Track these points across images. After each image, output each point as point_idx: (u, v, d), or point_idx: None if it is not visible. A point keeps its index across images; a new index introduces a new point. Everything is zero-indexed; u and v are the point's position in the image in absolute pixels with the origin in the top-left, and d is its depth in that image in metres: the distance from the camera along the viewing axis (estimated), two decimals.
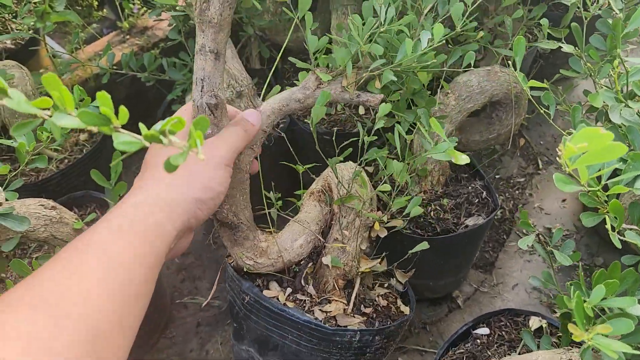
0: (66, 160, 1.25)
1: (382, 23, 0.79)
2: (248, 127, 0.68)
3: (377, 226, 0.91)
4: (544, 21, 1.02)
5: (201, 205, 0.59)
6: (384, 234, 0.92)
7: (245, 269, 0.89)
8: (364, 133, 0.86)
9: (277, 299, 0.88)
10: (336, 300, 0.90)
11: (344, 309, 0.90)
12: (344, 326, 0.86)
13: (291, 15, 0.83)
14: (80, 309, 0.45)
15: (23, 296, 0.45)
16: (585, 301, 0.58)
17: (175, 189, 0.57)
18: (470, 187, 1.18)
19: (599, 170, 0.60)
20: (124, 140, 0.40)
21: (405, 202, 0.92)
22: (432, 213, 1.12)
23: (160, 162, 0.60)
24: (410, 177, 1.16)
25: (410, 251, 0.92)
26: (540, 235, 1.32)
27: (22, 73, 1.20)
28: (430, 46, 0.78)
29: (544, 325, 0.94)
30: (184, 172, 0.59)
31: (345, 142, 0.92)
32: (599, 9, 0.95)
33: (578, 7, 0.97)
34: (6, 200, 0.84)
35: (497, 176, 1.57)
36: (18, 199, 0.87)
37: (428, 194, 1.16)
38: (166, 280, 1.34)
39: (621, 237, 0.63)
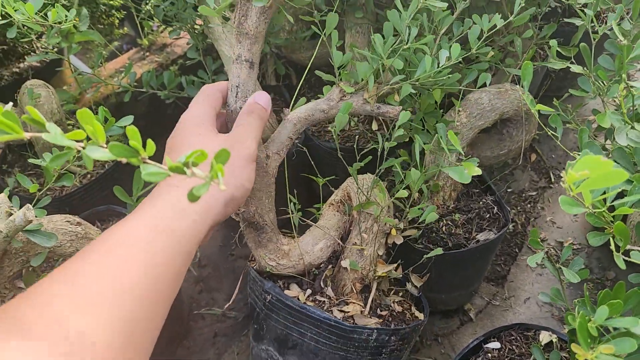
0: (89, 175, 1.30)
1: (406, 41, 0.83)
2: (262, 113, 0.70)
3: (394, 232, 0.95)
4: (553, 42, 1.04)
5: (232, 202, 0.61)
6: (400, 241, 0.96)
7: (267, 269, 0.94)
8: (382, 144, 0.89)
9: (298, 298, 0.93)
10: (354, 303, 0.95)
11: (361, 311, 0.94)
12: (362, 325, 0.90)
13: (319, 33, 0.88)
14: (117, 309, 0.46)
15: (57, 291, 0.46)
16: (590, 320, 0.60)
17: (213, 188, 0.58)
18: (481, 202, 1.19)
19: (604, 193, 0.62)
20: (151, 172, 0.43)
21: (420, 210, 0.95)
22: (444, 228, 1.14)
23: (193, 147, 0.60)
24: (427, 188, 1.19)
25: (425, 256, 0.96)
26: (549, 252, 1.33)
27: (48, 92, 1.25)
28: (448, 64, 0.82)
29: (554, 340, 0.95)
30: None
31: (363, 152, 0.96)
32: (608, 30, 0.97)
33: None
34: (35, 217, 0.88)
35: (509, 190, 1.59)
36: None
37: (440, 209, 1.18)
38: (184, 291, 1.38)
39: (626, 258, 0.65)
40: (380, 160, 0.89)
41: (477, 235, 1.14)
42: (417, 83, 0.85)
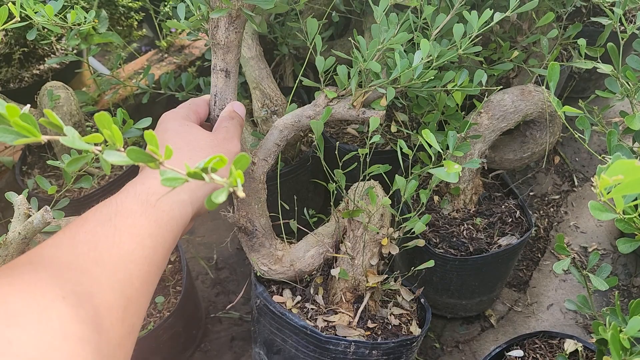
0: (107, 177, 1.30)
1: (380, 42, 0.80)
2: (240, 120, 0.72)
3: (384, 242, 0.92)
4: (582, 41, 1.01)
5: None
6: (395, 251, 0.92)
7: (258, 274, 0.94)
8: (367, 149, 0.86)
9: (285, 304, 0.93)
10: (342, 312, 0.93)
11: (349, 322, 0.92)
12: (342, 336, 0.88)
13: (304, 39, 0.86)
14: (115, 273, 0.47)
15: (57, 255, 0.46)
16: (621, 331, 0.57)
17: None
18: (503, 206, 1.17)
19: (635, 199, 0.60)
20: (169, 177, 0.42)
21: (417, 219, 0.92)
22: (464, 232, 1.11)
23: (182, 145, 0.63)
24: (443, 197, 1.17)
25: (414, 268, 0.94)
26: (575, 258, 1.30)
27: (67, 93, 1.25)
28: (424, 62, 0.79)
29: (580, 349, 0.92)
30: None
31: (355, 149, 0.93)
32: (637, 29, 0.94)
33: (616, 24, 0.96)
34: (53, 218, 0.88)
35: (531, 193, 1.56)
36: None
37: (461, 213, 1.15)
38: (201, 294, 1.37)
39: None
40: (363, 166, 0.87)
41: (499, 239, 1.11)
42: (398, 86, 0.82)
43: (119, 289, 0.47)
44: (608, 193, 0.52)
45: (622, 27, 0.93)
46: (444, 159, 0.89)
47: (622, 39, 0.92)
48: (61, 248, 0.48)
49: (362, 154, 0.86)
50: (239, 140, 0.69)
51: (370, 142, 0.84)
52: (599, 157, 0.75)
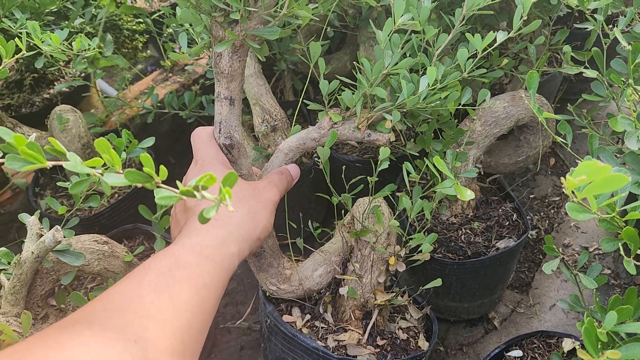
0: (116, 195, 1.34)
1: (385, 66, 0.81)
2: (290, 178, 0.77)
3: (392, 260, 0.94)
4: (567, 48, 1.04)
5: (258, 242, 0.68)
6: (402, 268, 0.94)
7: (267, 294, 0.96)
8: (375, 172, 0.88)
9: (295, 324, 0.94)
10: (352, 330, 0.94)
11: (359, 340, 0.93)
12: (353, 356, 0.89)
13: (303, 56, 0.88)
14: (176, 321, 0.53)
15: (123, 304, 0.52)
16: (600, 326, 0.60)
17: (244, 228, 0.66)
18: (500, 210, 1.20)
19: (611, 197, 0.62)
20: (164, 196, 0.46)
21: (423, 236, 0.94)
22: (462, 237, 1.14)
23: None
24: (441, 203, 1.20)
25: (422, 287, 0.96)
26: (572, 257, 1.32)
27: (75, 116, 1.30)
28: (431, 87, 0.81)
29: (577, 347, 0.94)
30: (249, 214, 0.68)
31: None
32: (623, 30, 0.96)
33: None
34: (64, 237, 0.92)
35: (531, 195, 1.58)
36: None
37: (459, 218, 1.18)
38: None
39: (638, 263, 0.65)
40: (373, 189, 0.89)
41: (496, 243, 1.14)
42: (404, 110, 0.83)
43: (179, 335, 0.52)
44: (580, 193, 0.55)
45: (606, 32, 0.95)
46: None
47: (605, 43, 0.95)
48: (129, 295, 0.53)
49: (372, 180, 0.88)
50: (280, 192, 0.73)
51: (379, 169, 0.85)
52: (580, 160, 0.78)
